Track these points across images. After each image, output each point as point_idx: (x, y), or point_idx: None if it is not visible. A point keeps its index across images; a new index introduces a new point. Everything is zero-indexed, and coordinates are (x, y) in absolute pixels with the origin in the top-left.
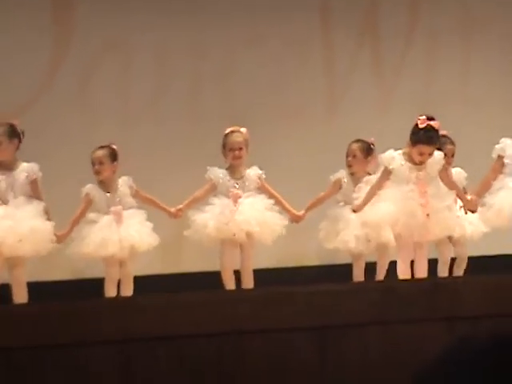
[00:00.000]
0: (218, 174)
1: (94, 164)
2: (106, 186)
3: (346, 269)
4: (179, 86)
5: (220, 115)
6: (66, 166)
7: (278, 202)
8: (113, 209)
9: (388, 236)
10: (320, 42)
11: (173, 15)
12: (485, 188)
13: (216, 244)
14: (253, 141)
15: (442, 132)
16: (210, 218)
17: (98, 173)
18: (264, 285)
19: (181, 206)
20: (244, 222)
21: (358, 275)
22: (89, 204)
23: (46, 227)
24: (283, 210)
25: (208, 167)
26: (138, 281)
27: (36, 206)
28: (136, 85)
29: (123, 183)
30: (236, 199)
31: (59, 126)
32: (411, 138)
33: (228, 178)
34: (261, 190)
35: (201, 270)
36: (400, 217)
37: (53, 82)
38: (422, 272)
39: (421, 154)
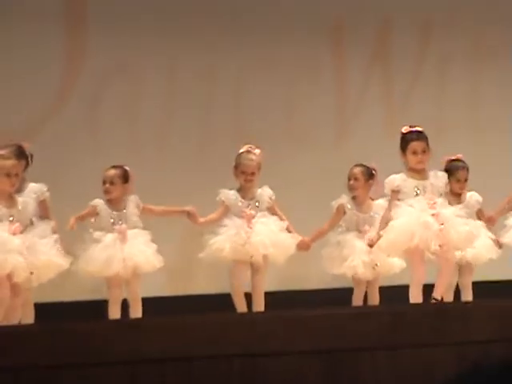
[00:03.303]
0: (230, 195)
1: (104, 182)
2: (114, 205)
3: (344, 293)
4: (189, 109)
5: (230, 138)
6: (74, 188)
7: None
8: (117, 227)
9: (393, 261)
10: (331, 64)
11: (184, 37)
12: (503, 208)
13: (229, 265)
14: (263, 163)
15: (456, 156)
16: (225, 241)
17: (107, 192)
18: (268, 308)
19: (201, 220)
20: (261, 243)
21: (359, 300)
22: (92, 213)
23: (59, 261)
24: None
25: (220, 190)
26: (147, 303)
27: (52, 238)
28: (146, 107)
29: (131, 202)
30: (250, 219)
31: (68, 148)
32: (401, 146)
33: (240, 198)
34: (270, 211)
35: (210, 293)
36: (415, 229)
37: (63, 104)
38: (440, 291)
39: (414, 153)
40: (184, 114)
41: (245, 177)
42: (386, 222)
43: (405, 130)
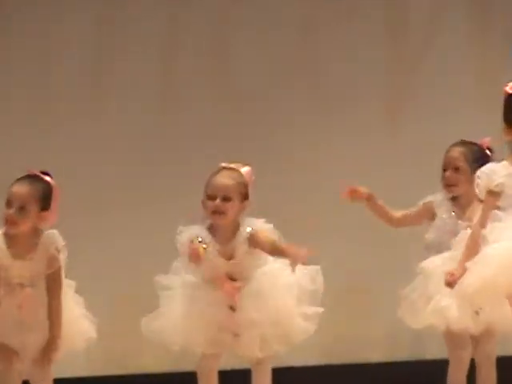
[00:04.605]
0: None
1: (9, 204)
2: (17, 244)
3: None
4: (139, 65)
5: (210, 116)
6: None
7: (274, 250)
8: (17, 292)
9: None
10: None
11: None
12: None
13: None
14: (268, 149)
15: None
16: (192, 322)
17: (11, 222)
18: None
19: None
20: (252, 341)
21: (458, 376)
22: None
23: None
24: (283, 255)
25: (180, 227)
26: None
27: None
28: (63, 67)
29: (46, 243)
30: (234, 294)
31: None
32: (505, 116)
33: (213, 245)
34: (255, 245)
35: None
36: None
37: None
38: None
39: None
40: (125, 75)
41: (212, 205)
42: (476, 245)
43: (511, 88)
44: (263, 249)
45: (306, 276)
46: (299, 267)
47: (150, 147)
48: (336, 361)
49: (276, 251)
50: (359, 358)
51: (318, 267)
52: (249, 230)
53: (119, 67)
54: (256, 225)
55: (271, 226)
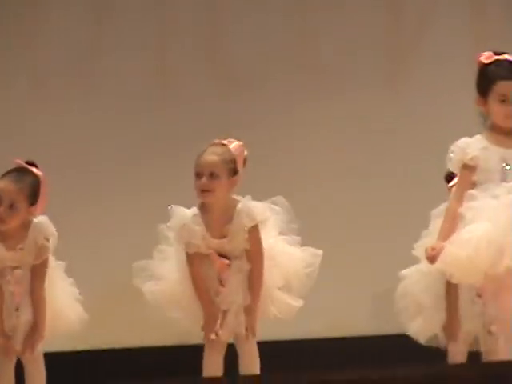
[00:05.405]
0: (184, 220)
1: None
2: (8, 237)
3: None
4: (133, 57)
5: (206, 103)
6: None
7: (250, 260)
8: (9, 278)
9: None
10: None
11: None
12: None
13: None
14: (265, 134)
15: None
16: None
17: (0, 220)
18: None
19: None
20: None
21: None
22: None
23: None
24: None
25: (170, 206)
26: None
27: None
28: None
29: (35, 232)
30: (223, 270)
31: None
32: (479, 87)
33: (201, 226)
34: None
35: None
36: (505, 241)
37: None
38: None
39: (503, 99)
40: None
41: (199, 184)
42: (452, 220)
43: (486, 58)
44: (250, 247)
45: (302, 258)
46: (298, 248)
47: (148, 137)
48: (336, 334)
49: (252, 265)
50: (354, 332)
51: (320, 252)
52: (251, 222)
53: (114, 63)
54: (255, 211)
55: (269, 209)
